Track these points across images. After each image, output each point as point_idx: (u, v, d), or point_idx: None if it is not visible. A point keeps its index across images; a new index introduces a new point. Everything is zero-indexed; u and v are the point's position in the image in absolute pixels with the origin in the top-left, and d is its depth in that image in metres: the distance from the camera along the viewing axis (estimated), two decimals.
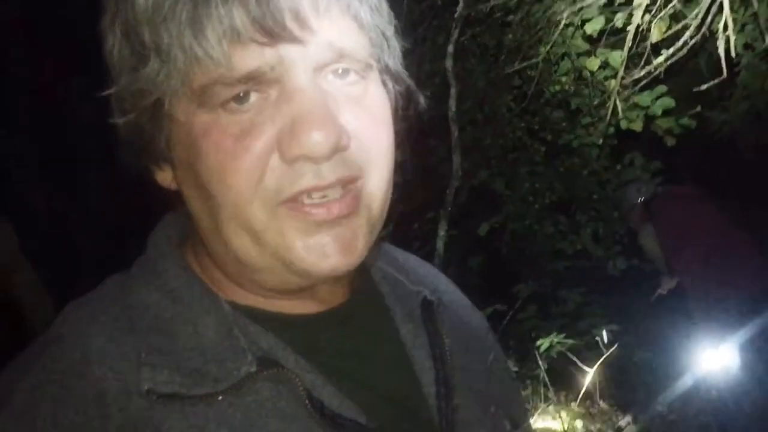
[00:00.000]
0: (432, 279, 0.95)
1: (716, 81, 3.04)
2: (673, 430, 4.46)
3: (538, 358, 4.59)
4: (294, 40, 0.65)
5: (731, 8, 2.86)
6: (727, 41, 2.80)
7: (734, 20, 2.93)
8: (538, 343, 4.70)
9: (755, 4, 3.07)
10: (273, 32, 0.64)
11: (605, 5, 3.75)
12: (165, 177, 0.75)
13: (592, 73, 4.40)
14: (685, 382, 3.98)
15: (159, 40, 0.65)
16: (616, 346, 4.41)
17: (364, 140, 0.70)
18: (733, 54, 2.85)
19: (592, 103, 4.67)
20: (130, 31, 0.67)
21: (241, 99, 0.66)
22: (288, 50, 0.65)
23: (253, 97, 0.66)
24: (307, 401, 0.70)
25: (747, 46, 3.97)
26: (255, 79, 0.65)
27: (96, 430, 0.65)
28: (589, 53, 4.28)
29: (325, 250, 0.69)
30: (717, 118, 4.59)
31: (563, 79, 4.71)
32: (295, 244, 0.68)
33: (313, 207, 0.68)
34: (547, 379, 4.63)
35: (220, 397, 0.68)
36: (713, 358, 3.84)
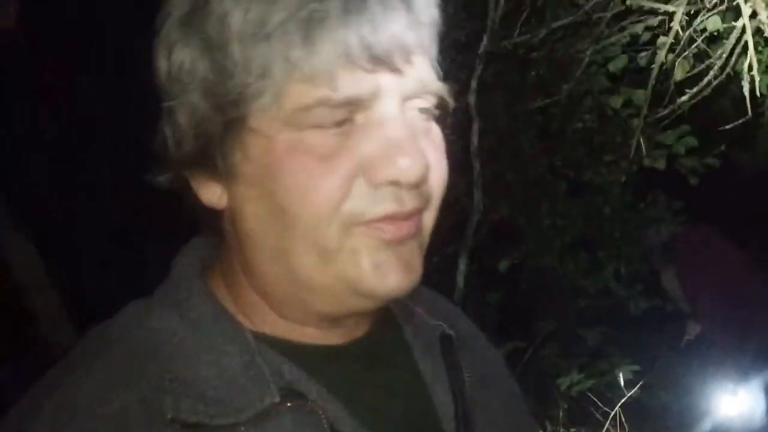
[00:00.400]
0: (449, 313, 0.95)
1: (741, 121, 3.03)
2: None
3: (558, 397, 4.52)
4: (395, 70, 0.67)
5: (755, 49, 2.86)
6: (752, 81, 2.80)
7: (759, 60, 2.93)
8: (558, 381, 4.64)
9: None
10: (380, 60, 0.66)
11: (628, 44, 3.76)
12: (213, 193, 0.74)
13: (615, 110, 4.40)
14: (707, 425, 3.90)
15: (255, 56, 0.65)
16: (638, 386, 4.34)
17: (434, 173, 0.72)
18: (758, 94, 2.84)
19: (615, 141, 4.66)
20: (213, 47, 0.67)
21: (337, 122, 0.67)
22: (386, 79, 0.67)
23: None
24: None
25: None
26: (353, 104, 0.67)
27: None
28: (612, 91, 4.28)
29: (390, 269, 0.70)
30: (741, 158, 4.56)
31: (586, 116, 4.71)
32: (364, 262, 0.69)
33: (385, 224, 0.69)
34: (566, 419, 4.55)
35: (243, 428, 0.68)
36: (735, 402, 3.77)
